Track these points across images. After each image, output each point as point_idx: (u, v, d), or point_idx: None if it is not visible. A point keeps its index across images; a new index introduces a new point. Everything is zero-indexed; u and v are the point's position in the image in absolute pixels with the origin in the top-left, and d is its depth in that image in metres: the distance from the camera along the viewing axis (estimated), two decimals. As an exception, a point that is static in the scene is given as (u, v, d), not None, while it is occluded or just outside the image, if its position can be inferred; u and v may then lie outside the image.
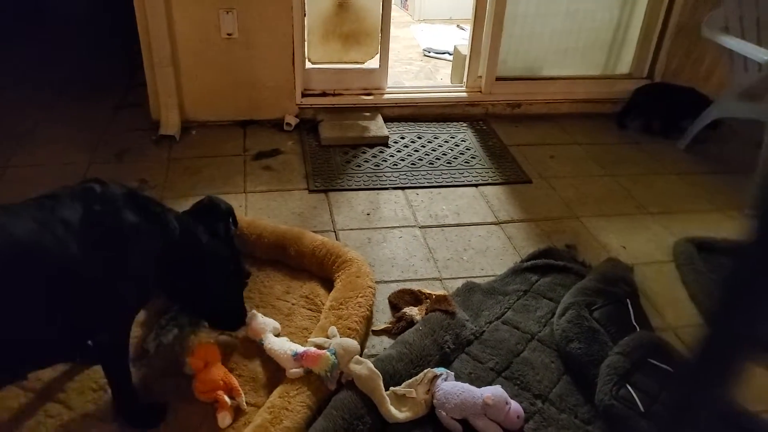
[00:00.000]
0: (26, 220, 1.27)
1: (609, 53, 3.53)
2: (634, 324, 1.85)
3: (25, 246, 1.24)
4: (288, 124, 3.09)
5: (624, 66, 3.57)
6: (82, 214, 1.33)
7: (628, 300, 1.92)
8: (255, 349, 1.77)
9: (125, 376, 1.55)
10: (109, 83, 3.51)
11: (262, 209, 2.47)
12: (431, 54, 4.31)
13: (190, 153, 2.87)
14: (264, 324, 1.79)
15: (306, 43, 3.10)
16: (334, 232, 2.36)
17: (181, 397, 1.63)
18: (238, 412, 1.61)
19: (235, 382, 1.64)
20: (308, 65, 3.16)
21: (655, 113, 3.32)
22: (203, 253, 1.65)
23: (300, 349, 1.67)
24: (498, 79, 3.35)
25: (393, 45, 3.23)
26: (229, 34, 2.91)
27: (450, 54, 3.94)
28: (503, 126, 3.30)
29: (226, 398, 1.59)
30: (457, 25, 4.93)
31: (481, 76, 3.35)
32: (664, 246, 2.40)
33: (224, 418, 1.57)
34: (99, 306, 1.38)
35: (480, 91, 3.37)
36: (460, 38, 4.18)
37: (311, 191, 2.62)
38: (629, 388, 1.58)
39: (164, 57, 2.88)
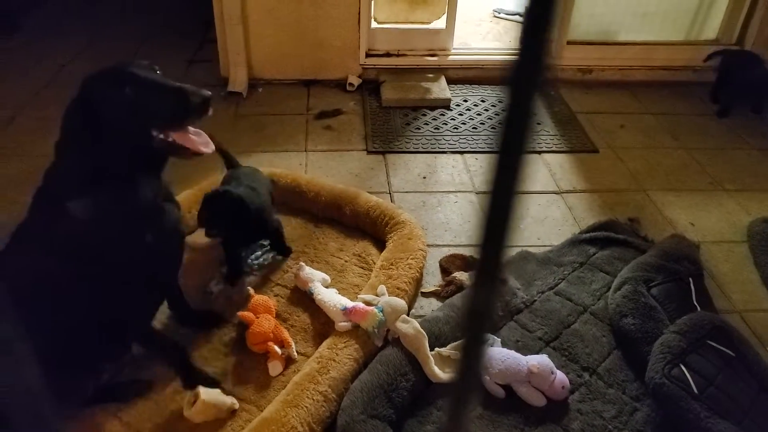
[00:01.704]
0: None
1: (694, 17, 3.30)
2: (695, 304, 1.78)
3: None
4: (351, 84, 3.10)
5: (710, 31, 3.33)
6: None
7: (690, 279, 1.84)
8: (307, 300, 1.83)
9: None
10: (182, 38, 3.61)
11: (321, 168, 2.51)
12: (501, 15, 4.16)
13: (256, 110, 2.93)
14: (311, 274, 1.85)
15: (372, 2, 3.06)
16: (390, 194, 2.37)
17: (236, 344, 1.72)
18: (288, 360, 1.67)
19: (285, 334, 1.70)
20: (374, 25, 3.14)
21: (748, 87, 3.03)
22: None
23: (349, 303, 1.71)
24: (569, 42, 3.21)
25: (461, 5, 3.14)
26: (297, -8, 2.92)
27: (521, 15, 3.79)
28: (572, 92, 3.17)
29: (277, 349, 1.65)
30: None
31: (551, 40, 3.21)
32: (738, 225, 2.27)
33: (275, 367, 1.64)
34: None
35: (549, 55, 3.24)
36: (533, -1, 4.00)
37: (369, 152, 2.63)
38: (683, 368, 1.53)
39: (234, 15, 2.92)
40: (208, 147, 1.41)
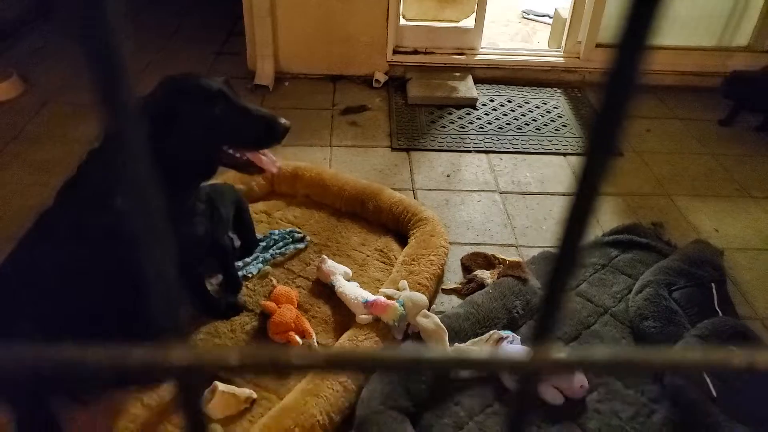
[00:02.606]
0: None
1: (726, 23, 3.26)
2: (717, 309, 1.77)
3: None
4: (377, 80, 3.12)
5: (742, 37, 3.28)
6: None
7: (712, 284, 1.84)
8: (328, 292, 1.86)
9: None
10: (210, 30, 3.67)
11: (346, 163, 2.54)
12: (530, 16, 4.15)
13: (281, 104, 2.97)
14: (333, 267, 1.87)
15: (401, -1, 3.08)
16: (413, 191, 2.39)
17: (257, 333, 1.75)
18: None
19: (306, 324, 1.72)
20: (402, 22, 3.15)
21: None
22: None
23: (370, 297, 1.74)
24: (598, 45, 3.19)
25: (490, 5, 3.14)
26: (326, -12, 2.95)
27: (550, 17, 3.78)
28: (599, 95, 3.15)
29: (298, 338, 1.68)
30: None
31: (580, 42, 3.21)
32: (764, 233, 2.25)
33: (295, 356, 1.66)
34: None
35: (578, 57, 3.23)
36: (562, 0, 4.01)
37: (394, 149, 2.65)
38: (703, 372, 1.53)
39: (263, 8, 2.96)
40: (274, 166, 1.51)
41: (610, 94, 0.28)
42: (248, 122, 1.41)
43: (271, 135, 1.44)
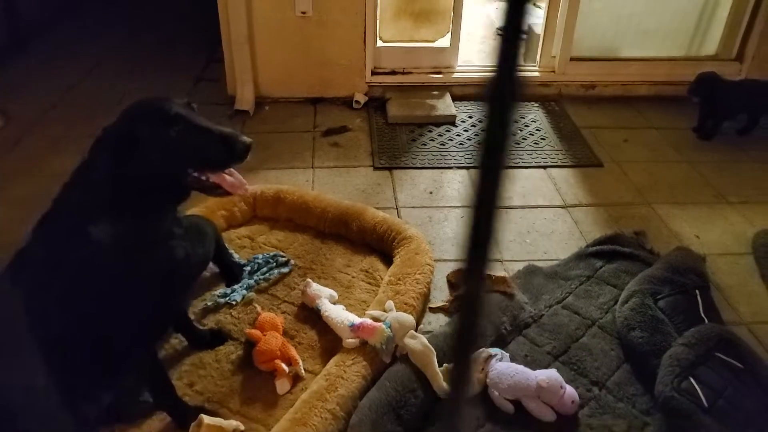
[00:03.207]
0: None
1: (694, 33, 3.33)
2: (703, 316, 1.78)
3: None
4: (357, 101, 3.13)
5: (710, 47, 3.36)
6: None
7: (697, 291, 1.85)
8: (314, 317, 1.83)
9: None
10: (189, 58, 3.66)
11: (328, 184, 2.53)
12: (504, 33, 4.20)
13: (262, 128, 2.96)
14: (319, 291, 1.85)
15: (378, 21, 3.11)
16: (396, 209, 2.39)
17: (243, 362, 1.71)
18: (296, 378, 1.67)
19: (292, 351, 1.69)
20: (379, 44, 3.18)
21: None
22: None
23: (357, 320, 1.72)
24: (572, 59, 3.24)
25: (465, 23, 3.19)
26: (303, 12, 2.96)
27: (524, 33, 3.83)
28: (576, 107, 3.20)
29: (284, 366, 1.64)
30: (534, 3, 4.76)
31: (555, 56, 3.26)
32: (743, 237, 2.27)
33: (282, 385, 1.63)
34: None
35: (553, 71, 3.28)
36: (535, 17, 4.08)
37: (376, 168, 2.66)
38: (692, 380, 1.53)
39: (241, 34, 2.97)
40: (242, 188, 1.45)
41: (492, 103, 0.28)
42: (207, 142, 1.37)
43: (232, 153, 1.38)
